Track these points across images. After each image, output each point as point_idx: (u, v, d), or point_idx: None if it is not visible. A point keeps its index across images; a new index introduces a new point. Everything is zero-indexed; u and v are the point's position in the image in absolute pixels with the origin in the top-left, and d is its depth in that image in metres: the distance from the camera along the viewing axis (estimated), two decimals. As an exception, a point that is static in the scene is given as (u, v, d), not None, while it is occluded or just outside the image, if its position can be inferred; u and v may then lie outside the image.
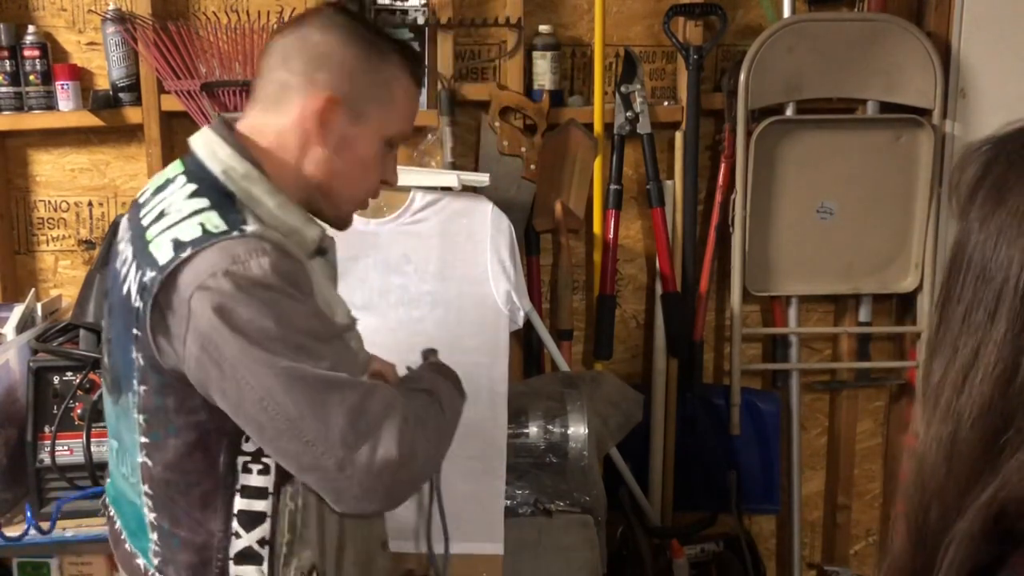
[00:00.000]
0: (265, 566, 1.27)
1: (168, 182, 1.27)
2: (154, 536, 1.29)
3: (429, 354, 1.59)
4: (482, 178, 2.19)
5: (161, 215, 1.22)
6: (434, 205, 2.14)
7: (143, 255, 1.20)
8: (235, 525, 1.26)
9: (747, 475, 2.59)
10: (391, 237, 2.12)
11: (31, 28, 2.28)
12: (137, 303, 1.18)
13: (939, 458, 0.69)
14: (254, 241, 1.17)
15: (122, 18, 2.27)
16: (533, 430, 2.14)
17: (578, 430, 2.12)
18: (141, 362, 1.21)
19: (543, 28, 2.39)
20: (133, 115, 2.31)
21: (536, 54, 2.39)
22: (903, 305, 2.64)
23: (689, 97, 2.43)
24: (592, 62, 2.42)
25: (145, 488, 1.26)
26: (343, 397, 1.16)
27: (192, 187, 1.23)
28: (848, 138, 2.47)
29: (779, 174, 2.48)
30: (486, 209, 2.14)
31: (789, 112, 2.45)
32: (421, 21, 2.34)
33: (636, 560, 2.42)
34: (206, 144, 1.26)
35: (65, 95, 2.28)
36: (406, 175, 2.21)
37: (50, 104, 2.30)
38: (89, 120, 2.29)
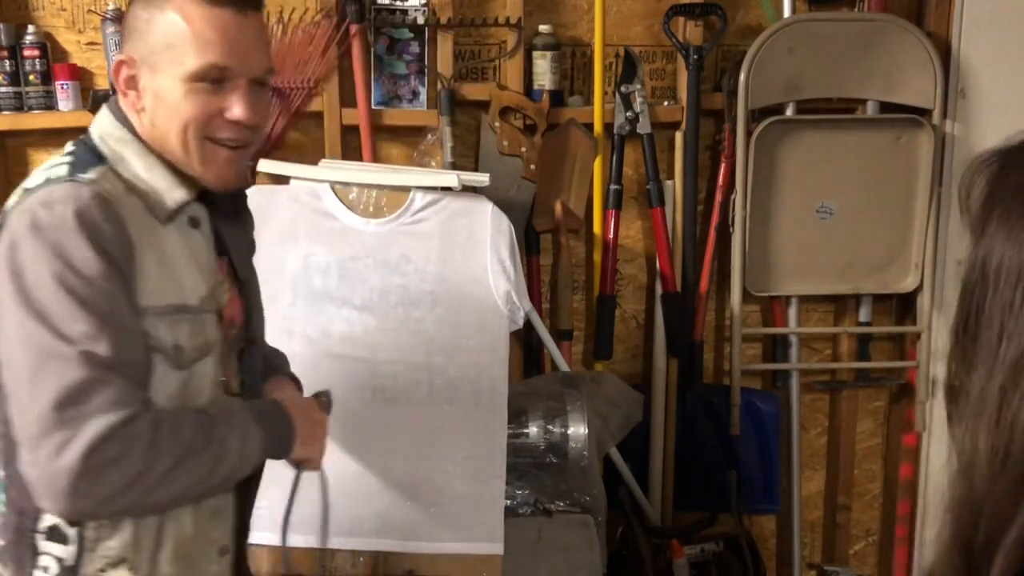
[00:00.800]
0: (72, 547, 1.26)
1: None
2: (3, 494, 1.30)
3: (320, 395, 1.57)
4: (482, 178, 2.19)
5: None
6: (434, 205, 2.14)
7: None
8: None
9: (747, 475, 2.59)
10: (391, 237, 2.12)
11: (31, 28, 2.28)
12: None
13: (992, 469, 0.69)
14: (77, 188, 1.20)
15: (122, 18, 2.27)
16: (533, 430, 2.14)
17: (578, 430, 2.12)
18: None
19: (543, 28, 2.39)
20: (133, 115, 2.31)
21: (536, 54, 2.39)
22: (903, 305, 2.64)
23: (689, 97, 2.43)
24: (592, 62, 2.42)
25: None
26: (62, 373, 1.13)
27: (69, 148, 1.31)
28: (848, 138, 2.47)
29: (779, 174, 2.48)
30: (486, 209, 2.14)
31: (789, 112, 2.45)
32: (421, 21, 2.34)
33: (636, 560, 2.42)
34: (97, 115, 1.34)
35: (65, 95, 2.28)
36: (406, 175, 2.21)
37: (50, 104, 2.30)
38: (89, 120, 2.22)
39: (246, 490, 1.45)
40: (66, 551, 1.27)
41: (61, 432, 1.13)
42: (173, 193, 1.29)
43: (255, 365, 1.48)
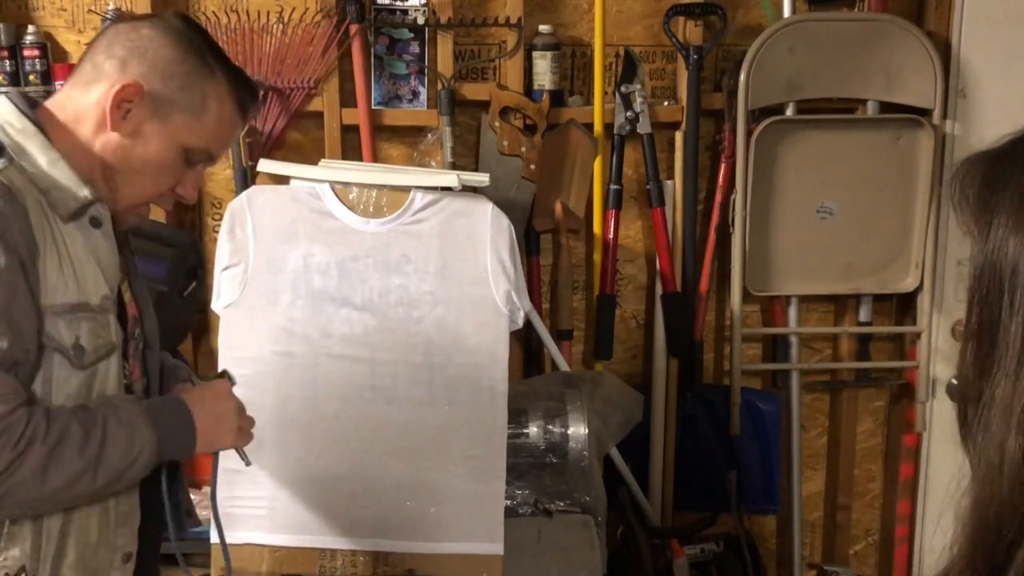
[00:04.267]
0: None
1: None
2: None
3: (221, 375, 1.50)
4: (482, 178, 2.19)
5: None
6: (434, 205, 2.14)
7: None
8: None
9: (747, 475, 2.59)
10: (391, 237, 2.12)
11: (31, 28, 2.28)
12: None
13: (1019, 474, 0.68)
14: None
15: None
16: (533, 430, 2.14)
17: (578, 430, 2.12)
18: None
19: (543, 28, 2.39)
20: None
21: (536, 54, 2.39)
22: (903, 305, 2.64)
23: (689, 97, 2.43)
24: (592, 62, 2.41)
25: None
26: None
27: None
28: (848, 138, 2.47)
29: (779, 174, 2.48)
30: (486, 209, 2.14)
31: (789, 112, 2.45)
32: (421, 21, 2.34)
33: (636, 560, 2.42)
34: None
35: (65, 95, 2.28)
36: (406, 175, 2.21)
37: (50, 104, 2.30)
38: None
39: (154, 494, 1.40)
40: None
41: None
42: (77, 191, 1.26)
43: (153, 368, 1.46)
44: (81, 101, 1.30)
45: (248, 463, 1.51)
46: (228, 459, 1.52)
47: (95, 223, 1.29)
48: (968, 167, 0.75)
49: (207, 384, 1.48)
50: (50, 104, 1.32)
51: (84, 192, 1.26)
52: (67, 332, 1.23)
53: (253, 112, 1.43)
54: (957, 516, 0.72)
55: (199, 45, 1.34)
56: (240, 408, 1.44)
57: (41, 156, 1.25)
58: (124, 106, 1.28)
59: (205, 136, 1.34)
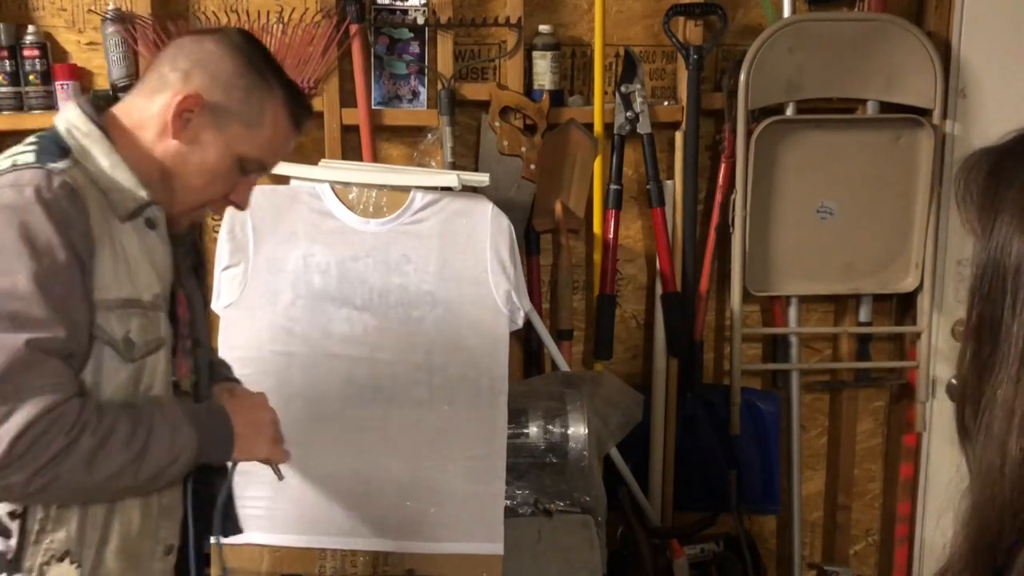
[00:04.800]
0: (14, 541, 1.27)
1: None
2: None
3: (229, 386, 1.55)
4: (482, 178, 2.19)
5: None
6: (434, 205, 2.14)
7: None
8: None
9: (747, 475, 2.59)
10: (391, 237, 2.12)
11: (31, 28, 2.28)
12: None
13: (1020, 475, 0.68)
14: (48, 175, 1.24)
15: (122, 18, 2.27)
16: (533, 430, 2.14)
17: (578, 430, 2.12)
18: None
19: (543, 28, 2.39)
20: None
21: (536, 54, 2.39)
22: (903, 305, 2.64)
23: (689, 97, 2.43)
24: (592, 62, 2.41)
25: None
26: (9, 352, 1.17)
27: (32, 139, 1.33)
28: (848, 138, 2.47)
29: (779, 174, 2.48)
30: (486, 209, 2.14)
31: (789, 112, 2.45)
32: (421, 21, 2.34)
33: (636, 560, 2.42)
34: (63, 110, 1.37)
35: (65, 95, 2.28)
36: (406, 175, 2.21)
37: (50, 104, 2.29)
38: None
39: (201, 491, 1.44)
40: (6, 544, 1.27)
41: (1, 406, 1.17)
42: (135, 192, 1.33)
43: (203, 367, 1.51)
44: (145, 109, 1.37)
45: (281, 477, 1.55)
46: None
47: (151, 224, 1.35)
48: (972, 164, 0.74)
49: (248, 393, 1.54)
50: (116, 110, 1.40)
51: (142, 194, 1.33)
52: (118, 326, 1.28)
53: (306, 126, 1.49)
54: (956, 517, 0.72)
55: (258, 60, 1.41)
56: (277, 420, 1.51)
57: (104, 159, 1.31)
58: (185, 115, 1.35)
59: (260, 146, 1.41)
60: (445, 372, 2.06)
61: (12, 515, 1.27)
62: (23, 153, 1.29)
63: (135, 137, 1.36)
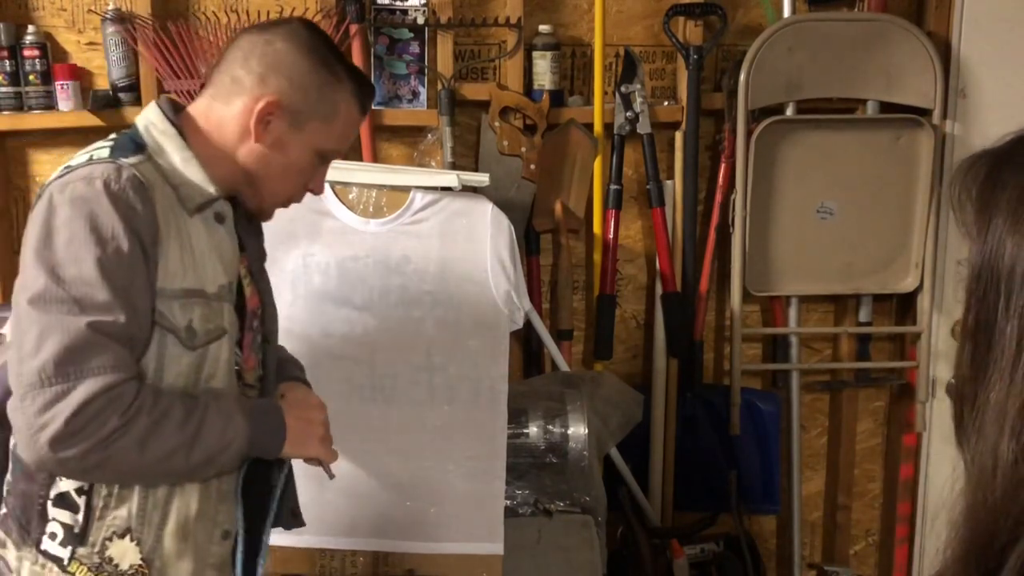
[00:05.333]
0: (80, 515, 1.33)
1: None
2: (11, 463, 1.37)
3: (291, 384, 1.57)
4: (482, 178, 2.20)
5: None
6: (434, 205, 2.14)
7: None
8: None
9: (747, 475, 2.59)
10: (391, 237, 2.12)
11: (31, 28, 2.28)
12: None
13: (1013, 478, 0.68)
14: (118, 169, 1.29)
15: (122, 18, 2.27)
16: (533, 430, 2.14)
17: (578, 430, 2.12)
18: None
19: (543, 28, 2.39)
20: (133, 115, 2.27)
21: (536, 54, 2.39)
22: (903, 305, 2.64)
23: (689, 97, 2.43)
24: (592, 62, 2.41)
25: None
26: (70, 333, 1.21)
27: (113, 136, 1.40)
28: (848, 138, 2.47)
29: (779, 174, 2.48)
30: (486, 209, 2.14)
31: (789, 112, 2.45)
32: (421, 21, 2.34)
33: (636, 560, 2.42)
34: (144, 109, 1.44)
35: (65, 95, 2.28)
36: (406, 175, 2.21)
37: (50, 104, 2.30)
38: (89, 120, 2.29)
39: (260, 481, 1.48)
40: (74, 518, 1.33)
41: (59, 385, 1.21)
42: (204, 188, 1.38)
43: (271, 362, 1.55)
44: (223, 112, 1.41)
45: (332, 476, 1.56)
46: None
47: (219, 219, 1.40)
48: (968, 167, 0.74)
49: (305, 393, 1.57)
50: (192, 110, 1.44)
51: (210, 190, 1.38)
52: (181, 315, 1.33)
53: (370, 108, 1.55)
54: (951, 518, 0.72)
55: (327, 54, 1.44)
56: (327, 421, 1.53)
57: (176, 155, 1.37)
58: (266, 119, 1.40)
59: (335, 138, 1.47)
60: (445, 372, 2.06)
61: (79, 491, 1.32)
62: (100, 148, 1.35)
63: (212, 137, 1.41)
